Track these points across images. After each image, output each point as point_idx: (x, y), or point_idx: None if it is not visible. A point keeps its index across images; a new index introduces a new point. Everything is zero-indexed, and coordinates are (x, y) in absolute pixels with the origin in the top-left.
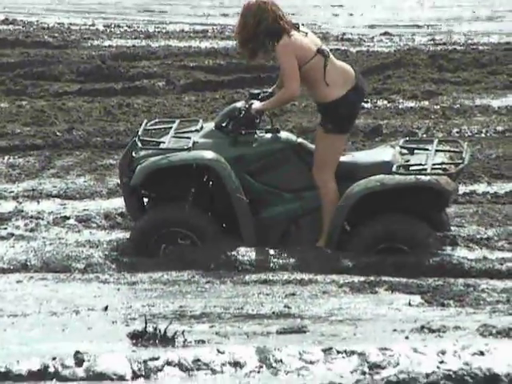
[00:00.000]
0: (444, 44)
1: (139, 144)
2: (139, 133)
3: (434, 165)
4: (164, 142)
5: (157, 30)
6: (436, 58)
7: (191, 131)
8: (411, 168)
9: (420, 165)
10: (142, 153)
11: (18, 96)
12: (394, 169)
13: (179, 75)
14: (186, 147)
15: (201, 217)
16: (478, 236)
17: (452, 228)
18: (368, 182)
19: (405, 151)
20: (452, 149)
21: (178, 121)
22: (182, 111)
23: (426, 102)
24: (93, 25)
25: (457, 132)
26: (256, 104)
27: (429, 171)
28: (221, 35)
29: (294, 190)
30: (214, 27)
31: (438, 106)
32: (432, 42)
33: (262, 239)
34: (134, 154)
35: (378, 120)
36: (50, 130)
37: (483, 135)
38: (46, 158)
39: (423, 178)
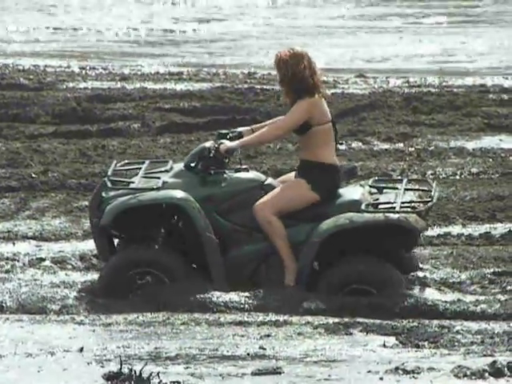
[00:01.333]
0: (418, 86)
1: (109, 184)
2: (109, 173)
3: (403, 203)
4: (134, 182)
5: (132, 72)
6: (410, 101)
7: (161, 171)
8: (380, 206)
9: (389, 203)
10: (112, 193)
11: None
12: (363, 207)
13: (154, 117)
14: (155, 187)
15: (171, 257)
16: (453, 278)
17: (426, 269)
18: (337, 219)
19: (374, 190)
20: (421, 187)
21: (147, 161)
22: (158, 153)
23: (401, 144)
24: (68, 67)
25: (431, 174)
26: (227, 143)
27: (398, 209)
28: (196, 77)
29: None
30: (189, 69)
31: (413, 148)
32: (406, 85)
33: (232, 278)
34: (103, 195)
35: (353, 162)
36: (25, 172)
37: (458, 177)
38: (21, 199)
39: (392, 215)
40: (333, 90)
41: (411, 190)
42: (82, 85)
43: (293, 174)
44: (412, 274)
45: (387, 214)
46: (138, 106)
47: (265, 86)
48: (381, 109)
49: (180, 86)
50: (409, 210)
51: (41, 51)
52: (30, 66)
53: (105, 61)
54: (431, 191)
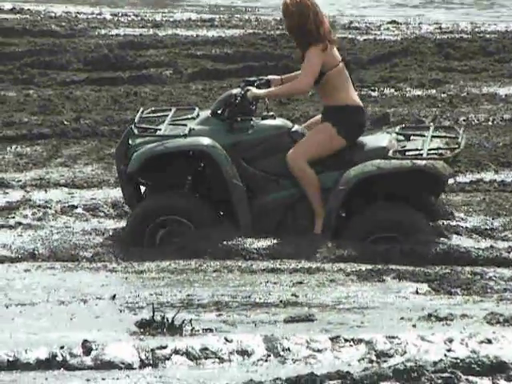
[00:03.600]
0: (451, 32)
1: (135, 131)
2: (135, 120)
3: (430, 150)
4: (160, 129)
5: (164, 18)
6: (443, 47)
7: (187, 118)
8: (407, 153)
9: (416, 150)
10: (138, 140)
11: (25, 85)
12: (390, 154)
13: (186, 64)
14: (182, 134)
15: (198, 204)
16: (485, 225)
17: (458, 216)
18: (364, 166)
19: (401, 137)
20: (448, 134)
21: (174, 109)
22: (190, 100)
23: (433, 91)
24: (100, 14)
25: (464, 120)
26: (253, 90)
27: (425, 156)
28: (228, 24)
29: (291, 175)
30: (221, 16)
31: (445, 95)
32: (439, 31)
33: (259, 226)
34: (130, 142)
35: (385, 108)
36: (57, 119)
37: (490, 123)
38: (53, 146)
39: (419, 162)
40: (365, 37)
41: (438, 137)
42: (114, 31)
43: (318, 116)
44: (440, 221)
45: (414, 161)
46: (170, 53)
47: None
48: (413, 55)
49: (212, 33)
50: (436, 156)
51: None
52: (61, 13)
53: (137, 7)
54: (458, 138)
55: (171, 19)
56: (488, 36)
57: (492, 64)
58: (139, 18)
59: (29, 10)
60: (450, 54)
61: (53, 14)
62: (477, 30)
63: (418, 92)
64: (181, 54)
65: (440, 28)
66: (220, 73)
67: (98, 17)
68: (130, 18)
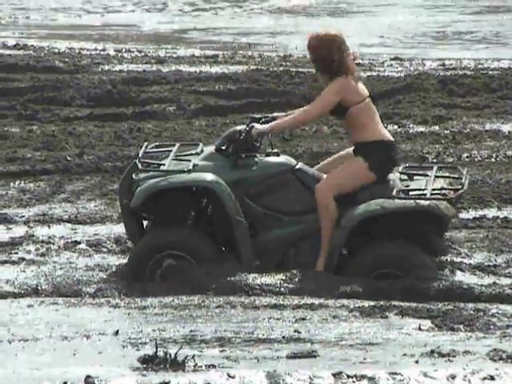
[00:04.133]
0: (454, 69)
1: (139, 166)
2: (139, 155)
3: (433, 190)
4: (164, 165)
5: (167, 54)
6: (446, 83)
7: (191, 154)
8: (411, 193)
9: (419, 190)
10: (142, 175)
11: (28, 121)
12: (394, 193)
13: (190, 100)
14: (186, 169)
15: (200, 240)
16: (488, 261)
17: (462, 253)
18: (368, 205)
19: (405, 177)
20: (452, 175)
21: (178, 144)
22: (193, 136)
23: (436, 127)
24: (103, 50)
25: (467, 157)
26: (258, 126)
27: (428, 196)
28: (231, 60)
29: (294, 213)
30: (225, 52)
31: (448, 131)
32: (442, 67)
33: (261, 262)
34: (133, 176)
35: None
36: (60, 155)
37: (493, 160)
38: (56, 182)
39: (423, 202)
40: (368, 73)
41: (442, 177)
42: (118, 67)
43: (342, 153)
44: (442, 257)
45: (418, 201)
46: (174, 89)
47: (300, 69)
48: (416, 91)
49: (215, 69)
50: (439, 197)
51: (76, 34)
52: (65, 49)
53: (140, 43)
54: (462, 178)
55: (174, 55)
56: (491, 73)
57: (495, 101)
58: (143, 53)
59: (32, 45)
60: (453, 90)
61: (56, 50)
62: (480, 66)
63: (421, 128)
64: (184, 90)
65: (443, 64)
66: (223, 109)
67: (102, 53)
68: (133, 54)
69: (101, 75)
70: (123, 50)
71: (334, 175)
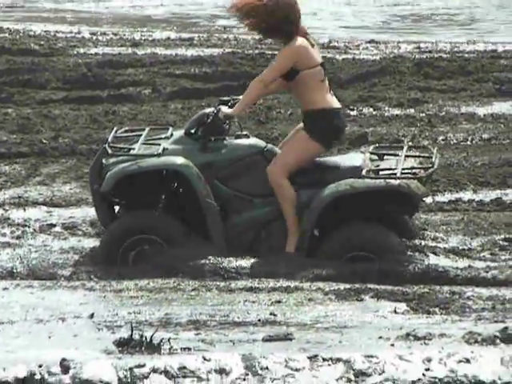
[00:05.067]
0: (429, 52)
1: (109, 151)
2: (109, 140)
3: (404, 169)
4: (134, 149)
5: (143, 37)
6: (422, 66)
7: (161, 138)
8: (381, 173)
9: (390, 169)
10: (112, 159)
11: (3, 104)
12: (363, 173)
13: (165, 83)
14: (155, 153)
15: (171, 223)
16: (464, 244)
17: (437, 236)
18: (338, 185)
19: (375, 157)
20: (422, 154)
21: (147, 128)
22: (168, 119)
23: (412, 110)
24: (79, 32)
25: (442, 140)
26: (225, 109)
27: (399, 175)
28: (207, 43)
29: (264, 195)
30: (200, 35)
31: (424, 114)
32: (418, 50)
33: (233, 245)
34: (103, 161)
35: (364, 128)
36: (35, 138)
37: (469, 143)
38: (32, 165)
39: (393, 181)
40: (344, 56)
41: (412, 156)
42: (93, 50)
43: (299, 126)
44: (418, 240)
45: (388, 180)
46: (149, 72)
47: (275, 52)
48: (392, 74)
49: (191, 52)
50: (410, 176)
51: (52, 17)
52: (40, 32)
53: (115, 26)
54: (432, 157)
55: (150, 38)
56: (467, 56)
57: (471, 84)
58: (118, 36)
59: (8, 28)
60: (428, 73)
61: (32, 33)
62: (456, 49)
63: (397, 111)
64: (159, 73)
65: (419, 47)
66: (199, 92)
67: (77, 36)
68: (108, 37)
69: (76, 58)
70: (98, 33)
71: (281, 155)
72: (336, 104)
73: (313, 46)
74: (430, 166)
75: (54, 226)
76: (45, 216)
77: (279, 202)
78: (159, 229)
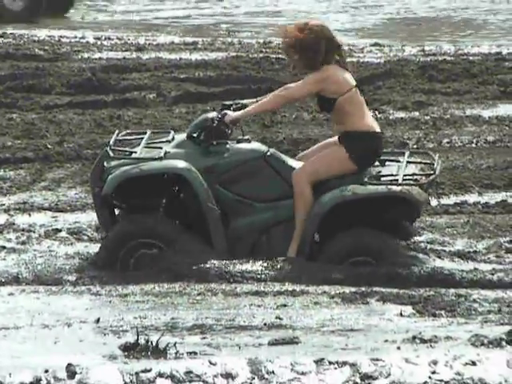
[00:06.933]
0: (434, 54)
1: (111, 154)
2: (110, 143)
3: (405, 175)
4: (135, 152)
5: (147, 42)
6: (426, 69)
7: (163, 142)
8: (383, 179)
9: (391, 175)
10: (113, 162)
11: (8, 109)
12: (365, 179)
13: (170, 87)
14: (157, 157)
15: (172, 227)
16: (469, 247)
17: (442, 238)
18: (340, 191)
19: (376, 163)
20: (423, 160)
21: (149, 132)
22: (173, 123)
23: (417, 113)
24: (83, 37)
25: (447, 142)
26: (230, 114)
27: (400, 182)
28: (211, 47)
29: (266, 199)
30: (204, 39)
31: (429, 117)
32: (422, 53)
33: (234, 249)
34: (105, 164)
35: None
36: (40, 143)
37: (474, 145)
38: (37, 170)
39: (395, 188)
40: (348, 59)
41: (413, 162)
42: (97, 55)
43: (327, 141)
44: (424, 243)
45: (390, 186)
46: (153, 76)
47: (280, 56)
48: (396, 77)
49: (195, 56)
50: (411, 182)
51: (56, 22)
52: (44, 37)
53: (120, 31)
54: (434, 164)
55: (154, 42)
56: (471, 58)
57: (475, 86)
58: (122, 41)
59: (12, 33)
60: (433, 76)
61: (36, 38)
62: (460, 52)
63: (402, 114)
64: (164, 77)
65: (423, 50)
66: (203, 96)
67: (81, 40)
68: (113, 42)
69: (80, 63)
70: (103, 38)
71: (313, 162)
72: (377, 128)
73: (345, 70)
74: (432, 172)
75: (60, 231)
76: (50, 221)
77: (295, 205)
78: (160, 233)
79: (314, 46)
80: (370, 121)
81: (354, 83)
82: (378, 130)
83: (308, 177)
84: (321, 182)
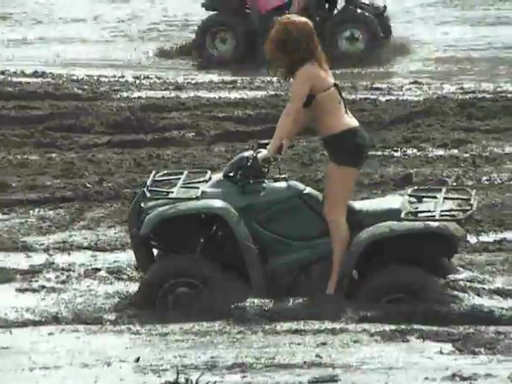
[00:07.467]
0: (473, 92)
1: (148, 194)
2: (147, 183)
3: (442, 211)
4: (172, 192)
5: (186, 81)
6: (465, 106)
7: (200, 181)
8: (420, 215)
9: (428, 211)
10: (151, 203)
11: (47, 148)
12: (402, 215)
13: (209, 126)
14: (194, 196)
15: (210, 267)
16: (509, 285)
17: (482, 276)
18: (377, 228)
19: (413, 199)
20: (460, 196)
21: (186, 172)
22: (212, 162)
23: (456, 151)
24: (122, 76)
25: (486, 180)
26: (263, 152)
27: (437, 217)
28: (250, 86)
29: (303, 238)
30: (243, 78)
31: (468, 154)
32: (461, 91)
33: (272, 288)
34: (142, 205)
35: (408, 169)
36: (80, 182)
37: None
38: (76, 210)
39: (432, 223)
40: (387, 97)
41: (450, 198)
42: (136, 94)
43: None
44: (463, 281)
45: (427, 222)
46: (192, 115)
47: None
48: (435, 115)
49: (234, 95)
50: (448, 218)
51: (95, 61)
52: (83, 76)
53: (159, 70)
54: (470, 199)
55: (193, 81)
56: (510, 95)
57: None
58: (161, 80)
59: (51, 73)
60: (472, 113)
61: (75, 78)
62: (499, 89)
63: (441, 152)
64: (203, 116)
65: (462, 88)
66: (242, 135)
67: (120, 80)
68: (152, 81)
69: (119, 102)
70: (142, 77)
71: (326, 195)
72: (354, 123)
73: (325, 67)
74: (469, 207)
75: (99, 270)
76: (89, 260)
77: (333, 241)
78: (198, 272)
79: (297, 43)
80: (345, 119)
81: (333, 81)
82: (355, 125)
83: (334, 209)
84: (357, 218)
